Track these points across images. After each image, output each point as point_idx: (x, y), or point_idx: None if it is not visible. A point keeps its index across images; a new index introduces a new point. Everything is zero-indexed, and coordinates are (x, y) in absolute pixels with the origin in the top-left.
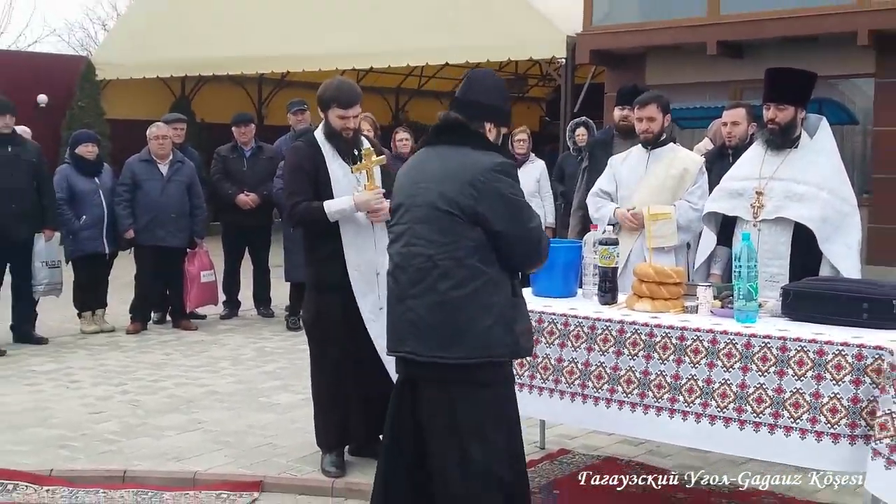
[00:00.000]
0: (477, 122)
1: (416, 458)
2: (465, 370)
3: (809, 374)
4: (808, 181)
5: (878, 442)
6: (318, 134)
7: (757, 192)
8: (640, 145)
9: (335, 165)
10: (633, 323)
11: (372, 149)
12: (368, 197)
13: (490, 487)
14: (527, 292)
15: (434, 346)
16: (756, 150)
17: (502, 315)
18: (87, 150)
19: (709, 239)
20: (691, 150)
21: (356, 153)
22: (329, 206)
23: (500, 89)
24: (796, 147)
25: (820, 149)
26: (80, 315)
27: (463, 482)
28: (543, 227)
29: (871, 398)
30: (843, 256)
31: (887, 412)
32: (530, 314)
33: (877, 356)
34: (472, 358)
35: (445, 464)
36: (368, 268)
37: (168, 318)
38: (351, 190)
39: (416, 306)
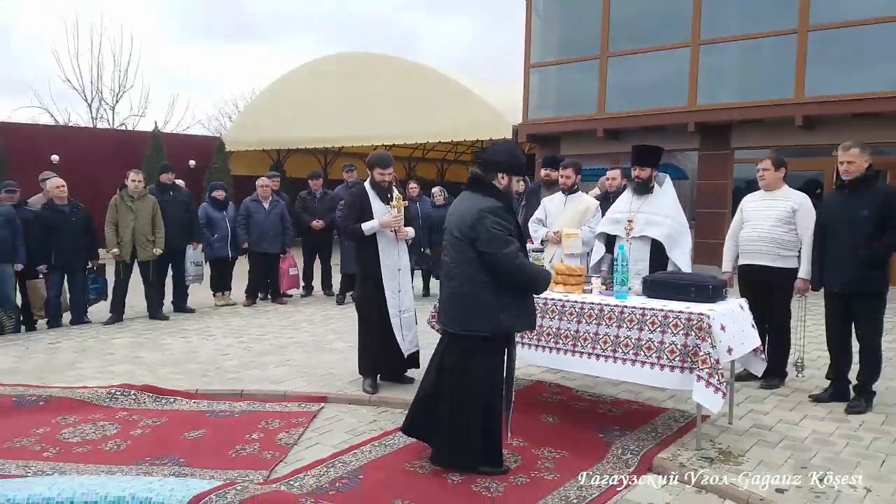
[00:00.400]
0: (492, 174)
1: (435, 385)
2: (462, 338)
3: (658, 329)
4: (659, 213)
5: (700, 371)
6: (367, 184)
7: (628, 220)
8: (561, 192)
9: (376, 204)
10: (552, 299)
11: (400, 195)
12: (388, 220)
13: (470, 409)
14: None
15: (446, 321)
16: (627, 194)
17: (487, 306)
18: (219, 194)
19: (599, 249)
20: (587, 193)
21: (389, 196)
22: (364, 226)
23: (510, 151)
24: (651, 192)
25: (665, 193)
26: (214, 295)
27: (456, 402)
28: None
29: (695, 345)
30: (681, 259)
31: (706, 353)
32: None
33: (699, 319)
34: (465, 331)
35: (449, 389)
36: (393, 266)
37: (269, 296)
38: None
39: (442, 295)
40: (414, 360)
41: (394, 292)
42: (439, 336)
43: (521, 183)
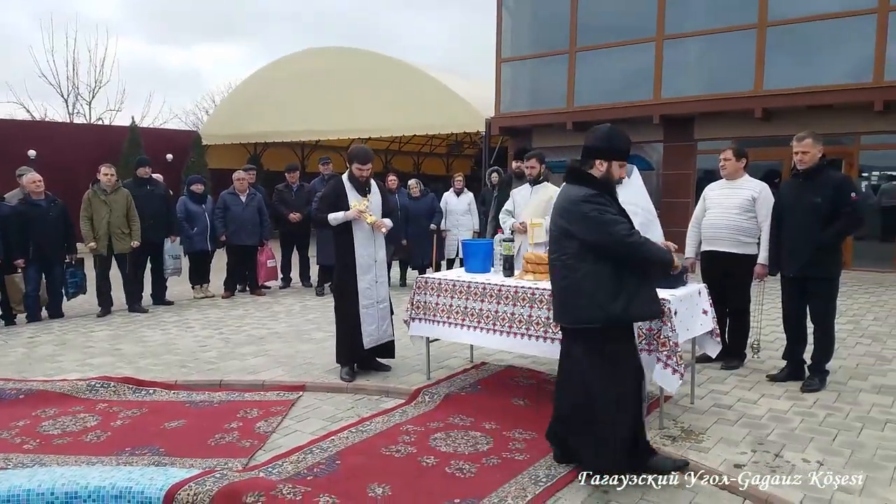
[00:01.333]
0: (589, 162)
1: (569, 385)
2: (578, 332)
3: None
4: (628, 202)
5: (660, 353)
6: (345, 177)
7: None
8: (528, 183)
9: (352, 197)
10: (523, 287)
11: (369, 198)
12: (352, 213)
13: (604, 403)
14: (461, 271)
15: (560, 316)
16: None
17: (593, 296)
18: (197, 188)
19: None
20: (558, 186)
21: (367, 190)
22: (330, 216)
23: (606, 135)
24: (622, 184)
25: (634, 183)
26: (193, 287)
27: (586, 398)
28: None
29: (658, 328)
30: None
31: (666, 336)
32: (467, 285)
33: (662, 302)
34: (577, 323)
35: (577, 386)
36: (369, 257)
37: (247, 288)
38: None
39: (552, 289)
40: (389, 349)
41: (370, 283)
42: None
43: (495, 175)
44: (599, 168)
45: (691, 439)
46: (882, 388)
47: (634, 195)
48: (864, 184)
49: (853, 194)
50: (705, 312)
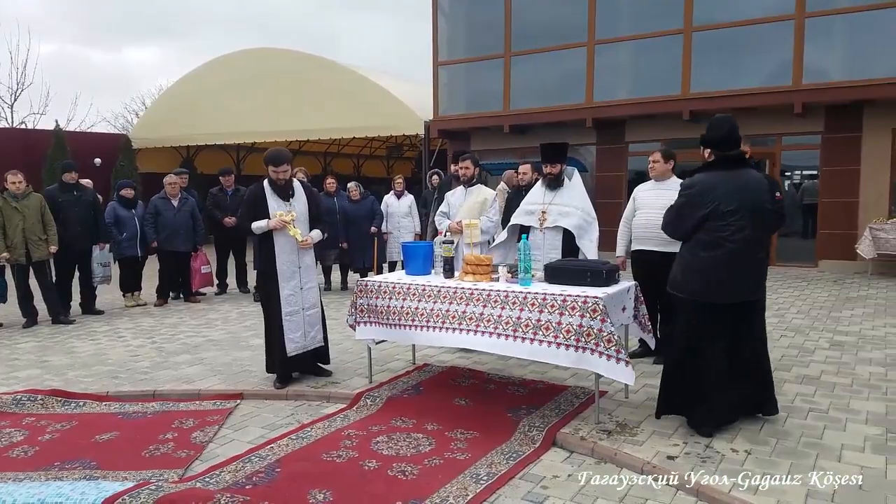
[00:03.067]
0: (738, 149)
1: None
2: (758, 303)
3: (556, 311)
4: (569, 205)
5: (608, 350)
6: (266, 181)
7: (542, 212)
8: (462, 185)
9: (272, 202)
10: (463, 288)
11: (292, 202)
12: (275, 223)
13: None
14: (402, 273)
15: (752, 290)
16: (539, 188)
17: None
18: (127, 193)
19: (502, 235)
20: (494, 189)
21: (291, 194)
22: (253, 225)
23: (717, 126)
24: (562, 185)
25: (574, 185)
26: (123, 295)
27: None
28: (418, 235)
29: (591, 325)
30: (588, 248)
31: (609, 332)
32: (407, 287)
33: (594, 301)
34: (761, 296)
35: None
36: (292, 264)
37: (181, 295)
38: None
39: (741, 266)
40: (322, 355)
41: (293, 290)
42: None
43: (435, 177)
44: (705, 154)
45: (626, 433)
46: (805, 378)
47: (573, 197)
48: (786, 183)
49: (777, 194)
50: (624, 309)
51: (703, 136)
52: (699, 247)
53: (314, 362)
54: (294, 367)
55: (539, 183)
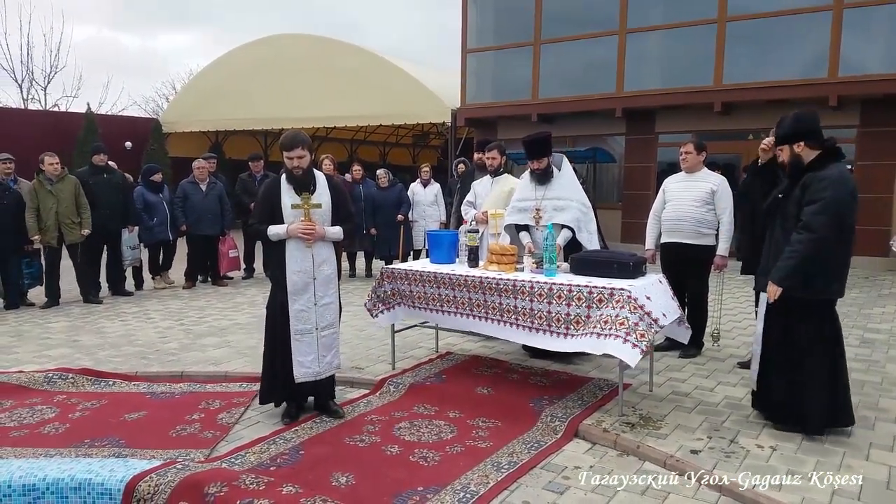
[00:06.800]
0: (791, 144)
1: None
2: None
3: (584, 304)
4: (563, 197)
5: (618, 331)
6: (283, 172)
7: (536, 209)
8: (488, 175)
9: (286, 198)
10: (488, 277)
11: (308, 196)
12: (295, 228)
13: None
14: (426, 261)
15: (839, 288)
16: (529, 183)
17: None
18: (156, 177)
19: (505, 239)
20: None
21: (312, 189)
22: (270, 230)
23: (808, 119)
24: (551, 178)
25: (565, 174)
26: (153, 278)
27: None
28: (443, 224)
29: (616, 314)
30: (588, 240)
31: (624, 318)
32: (433, 276)
33: (620, 292)
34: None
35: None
36: (304, 274)
37: (209, 279)
38: (294, 217)
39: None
40: (329, 386)
41: (305, 305)
42: (376, 324)
43: (461, 166)
44: (798, 148)
45: (649, 426)
46: None
47: (564, 187)
48: None
49: None
50: (674, 299)
51: (787, 131)
52: (838, 244)
53: (327, 398)
54: (301, 396)
55: (527, 178)
